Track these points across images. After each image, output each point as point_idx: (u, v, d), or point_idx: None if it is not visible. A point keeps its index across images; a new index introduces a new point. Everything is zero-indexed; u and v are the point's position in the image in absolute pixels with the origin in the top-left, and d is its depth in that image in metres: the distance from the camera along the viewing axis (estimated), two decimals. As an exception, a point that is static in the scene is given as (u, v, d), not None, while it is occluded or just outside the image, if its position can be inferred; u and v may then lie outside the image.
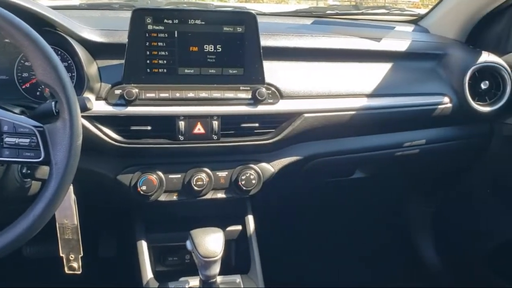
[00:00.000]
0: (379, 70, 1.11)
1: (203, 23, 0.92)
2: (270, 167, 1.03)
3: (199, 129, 0.93)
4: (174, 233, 1.06)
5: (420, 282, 1.50)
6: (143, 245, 1.04)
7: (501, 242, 1.29)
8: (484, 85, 1.14)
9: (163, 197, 0.98)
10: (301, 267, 1.46)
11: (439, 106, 1.11)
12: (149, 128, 0.92)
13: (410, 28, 1.31)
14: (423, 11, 1.39)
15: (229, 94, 0.94)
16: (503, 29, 1.20)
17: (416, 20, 1.35)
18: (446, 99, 1.11)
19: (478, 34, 1.22)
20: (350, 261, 1.55)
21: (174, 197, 0.99)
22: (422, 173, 1.35)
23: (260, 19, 0.95)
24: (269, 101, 0.96)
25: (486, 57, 1.13)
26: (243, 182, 0.99)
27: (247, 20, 0.94)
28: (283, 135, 0.99)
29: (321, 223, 1.49)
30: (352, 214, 1.50)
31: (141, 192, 0.94)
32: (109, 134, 0.91)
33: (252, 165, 1.01)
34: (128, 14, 0.91)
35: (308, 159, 1.07)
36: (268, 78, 0.96)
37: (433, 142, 1.17)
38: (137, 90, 0.90)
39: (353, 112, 1.04)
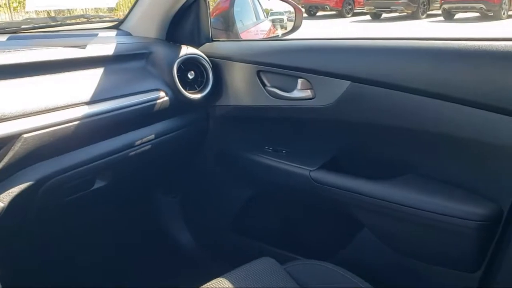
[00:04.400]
0: (92, 77, 1.11)
1: None
2: None
3: None
4: None
5: (183, 268, 1.59)
6: None
7: (236, 206, 1.49)
8: (190, 75, 1.27)
9: None
10: None
11: (157, 101, 1.19)
12: None
13: (112, 33, 1.34)
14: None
15: None
16: (193, 23, 1.36)
17: (117, 25, 1.40)
18: (162, 94, 1.20)
19: (174, 30, 1.36)
20: (119, 268, 1.52)
21: None
22: (159, 167, 1.43)
23: None
24: None
25: (186, 50, 1.27)
26: (-34, 228, 0.86)
27: None
28: (3, 163, 0.89)
29: (81, 244, 1.42)
30: (107, 225, 1.48)
31: None
32: None
33: None
34: None
35: (42, 181, 0.99)
36: (-32, 104, 0.85)
37: (162, 135, 1.25)
38: None
39: (76, 123, 1.01)
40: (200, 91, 1.28)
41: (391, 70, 1.06)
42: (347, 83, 1.12)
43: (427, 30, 11.22)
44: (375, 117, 1.11)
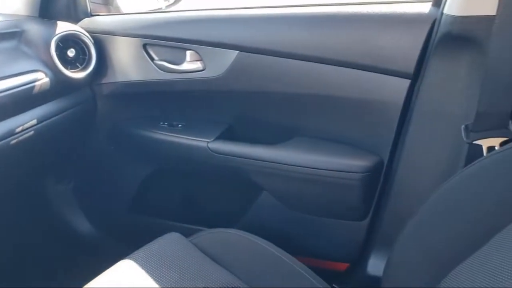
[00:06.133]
0: None
1: None
2: None
3: None
4: None
5: (86, 257, 1.53)
6: None
7: (135, 185, 1.45)
8: (71, 53, 1.20)
9: None
10: None
11: (36, 83, 1.10)
12: None
13: None
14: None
15: None
16: (69, -1, 1.27)
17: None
18: (40, 75, 1.11)
19: (48, 6, 1.25)
20: (16, 263, 1.42)
21: None
22: (47, 154, 1.34)
23: None
24: None
25: (63, 27, 1.18)
26: None
27: None
28: None
29: None
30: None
31: None
32: None
33: None
34: None
35: None
36: None
37: (45, 119, 1.16)
38: None
39: None
40: (83, 69, 1.22)
41: (273, 38, 1.10)
42: (235, 53, 1.14)
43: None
44: (263, 84, 1.15)
